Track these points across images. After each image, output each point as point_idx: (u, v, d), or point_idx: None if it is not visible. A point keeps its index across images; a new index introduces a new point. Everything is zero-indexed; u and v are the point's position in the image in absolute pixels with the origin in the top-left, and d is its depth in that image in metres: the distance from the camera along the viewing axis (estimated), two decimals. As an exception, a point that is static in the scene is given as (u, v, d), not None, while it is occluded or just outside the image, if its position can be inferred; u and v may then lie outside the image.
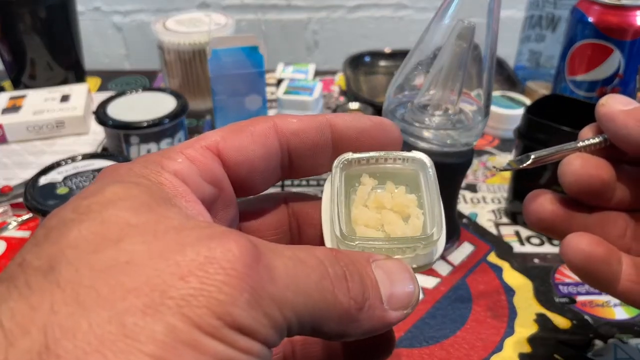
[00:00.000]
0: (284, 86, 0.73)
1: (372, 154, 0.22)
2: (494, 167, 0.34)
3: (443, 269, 0.47)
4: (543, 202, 0.26)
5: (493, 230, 0.52)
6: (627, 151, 0.26)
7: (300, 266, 0.16)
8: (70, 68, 0.77)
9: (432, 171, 0.21)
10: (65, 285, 0.14)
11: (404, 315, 0.18)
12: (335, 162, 0.21)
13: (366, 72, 0.80)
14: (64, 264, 0.14)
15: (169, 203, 0.17)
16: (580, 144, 0.27)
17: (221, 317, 0.14)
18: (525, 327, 0.41)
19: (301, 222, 0.24)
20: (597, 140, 0.26)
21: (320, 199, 0.23)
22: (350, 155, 0.21)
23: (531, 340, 0.40)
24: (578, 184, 0.25)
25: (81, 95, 0.69)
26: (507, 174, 0.58)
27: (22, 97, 0.68)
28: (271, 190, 0.23)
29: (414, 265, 0.20)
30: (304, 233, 0.24)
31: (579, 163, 0.25)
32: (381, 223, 0.21)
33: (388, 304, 0.18)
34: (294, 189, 0.59)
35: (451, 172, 0.43)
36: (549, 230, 0.27)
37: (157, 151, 0.20)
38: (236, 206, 0.22)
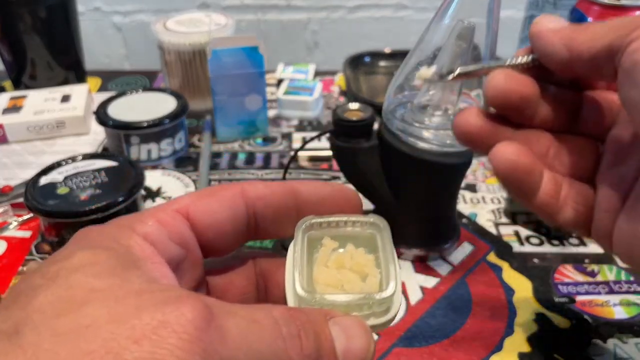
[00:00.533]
0: (284, 86, 0.73)
1: (332, 218, 0.23)
2: (418, 78, 0.35)
3: (443, 268, 0.47)
4: (469, 117, 0.27)
5: (492, 230, 0.52)
6: (553, 70, 0.26)
7: (253, 326, 0.17)
8: (71, 68, 0.77)
9: (387, 233, 0.23)
10: (27, 348, 0.15)
11: None
12: (298, 225, 0.23)
13: (366, 72, 0.80)
14: (29, 328, 0.15)
15: (133, 267, 0.18)
16: (509, 62, 0.27)
17: None
18: (524, 327, 0.41)
19: (267, 282, 0.25)
20: (525, 59, 0.26)
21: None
22: (312, 219, 0.23)
23: (531, 339, 0.40)
24: (499, 98, 0.25)
25: (81, 96, 0.69)
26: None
27: (23, 97, 0.68)
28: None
29: (371, 323, 0.21)
30: (270, 292, 0.25)
31: (502, 78, 0.25)
32: (341, 283, 0.22)
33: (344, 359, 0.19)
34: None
35: (451, 172, 0.43)
36: (475, 144, 0.27)
37: (132, 214, 0.21)
38: (202, 266, 0.23)
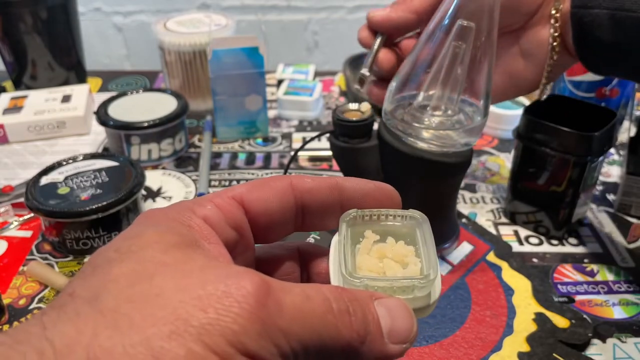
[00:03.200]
0: (284, 86, 0.73)
1: (374, 211, 0.24)
2: (356, 87, 0.47)
3: (443, 268, 0.47)
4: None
5: (492, 230, 0.52)
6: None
7: (307, 302, 0.18)
8: (71, 68, 0.77)
9: (426, 226, 0.24)
10: (106, 313, 0.16)
11: (403, 349, 0.20)
12: (342, 217, 0.24)
13: (366, 73, 0.80)
14: (106, 295, 0.17)
15: (195, 245, 0.20)
16: (377, 45, 0.42)
17: (234, 345, 0.16)
18: (524, 326, 0.41)
19: (310, 270, 0.27)
20: (381, 37, 0.43)
21: (329, 249, 0.25)
22: (355, 212, 0.24)
23: (530, 339, 0.40)
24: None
25: (82, 96, 0.69)
26: (507, 174, 0.59)
27: (24, 97, 0.68)
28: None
29: (413, 307, 0.21)
30: (312, 280, 0.27)
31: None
32: (383, 270, 0.23)
33: (388, 338, 0.20)
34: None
35: (450, 172, 0.43)
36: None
37: (192, 199, 0.23)
38: (254, 251, 0.24)
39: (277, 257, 0.26)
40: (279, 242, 0.26)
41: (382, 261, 0.23)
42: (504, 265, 0.47)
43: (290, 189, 0.24)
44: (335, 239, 0.25)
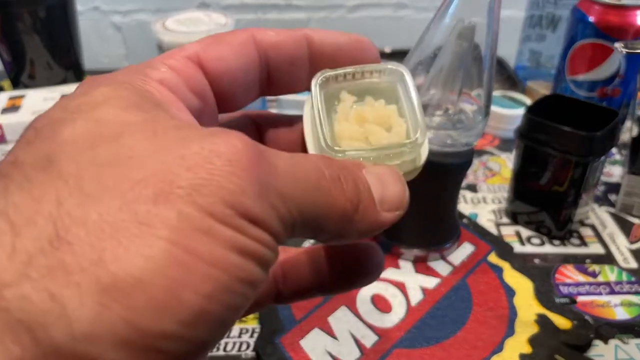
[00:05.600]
0: (283, 86, 0.73)
1: (348, 69, 0.22)
2: None
3: (443, 269, 0.46)
4: None
5: (493, 231, 0.51)
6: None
7: (299, 166, 0.16)
8: (70, 68, 0.77)
9: (408, 79, 0.22)
10: (67, 178, 0.13)
11: (395, 216, 0.19)
12: (314, 80, 0.21)
13: (366, 72, 0.80)
14: (64, 159, 0.14)
15: (160, 108, 0.16)
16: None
17: (232, 206, 0.14)
18: (525, 328, 0.41)
19: (272, 144, 0.24)
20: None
21: (292, 117, 0.23)
22: (327, 72, 0.21)
23: (532, 340, 0.40)
24: None
25: (81, 95, 0.68)
26: (508, 174, 0.58)
27: (22, 97, 0.68)
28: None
29: (402, 172, 0.20)
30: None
31: None
32: (365, 136, 0.21)
33: (381, 206, 0.19)
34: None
35: (451, 172, 0.43)
36: None
37: (140, 63, 0.19)
38: (218, 121, 0.21)
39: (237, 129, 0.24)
40: (238, 112, 0.23)
41: (363, 126, 0.21)
42: (506, 265, 0.47)
43: (252, 44, 0.20)
44: (307, 105, 0.22)
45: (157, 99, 0.17)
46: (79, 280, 0.12)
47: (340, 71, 0.21)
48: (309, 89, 0.22)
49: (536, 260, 0.48)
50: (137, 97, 0.16)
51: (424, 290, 0.44)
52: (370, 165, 0.19)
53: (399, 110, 0.21)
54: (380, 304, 0.43)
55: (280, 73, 0.21)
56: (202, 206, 0.13)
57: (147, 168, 0.14)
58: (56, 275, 0.12)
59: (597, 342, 0.40)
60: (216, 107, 0.20)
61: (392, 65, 0.22)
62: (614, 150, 0.65)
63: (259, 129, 0.24)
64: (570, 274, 0.46)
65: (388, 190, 0.19)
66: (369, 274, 0.24)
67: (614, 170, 0.61)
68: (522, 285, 0.45)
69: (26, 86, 0.75)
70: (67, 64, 0.76)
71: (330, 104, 0.22)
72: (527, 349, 0.39)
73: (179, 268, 0.13)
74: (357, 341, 0.40)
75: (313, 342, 0.40)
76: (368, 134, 0.21)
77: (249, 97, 0.21)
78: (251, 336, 0.41)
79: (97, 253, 0.12)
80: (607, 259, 0.48)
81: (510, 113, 0.66)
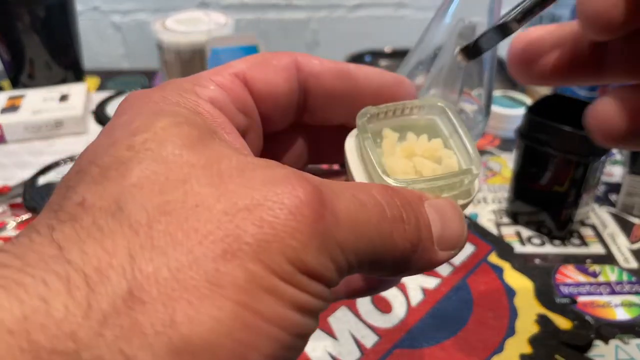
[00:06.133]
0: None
1: (390, 106, 0.21)
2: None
3: (444, 269, 0.46)
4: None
5: (494, 231, 0.51)
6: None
7: (361, 209, 0.16)
8: (69, 67, 0.76)
9: (452, 113, 0.21)
10: (138, 228, 0.13)
11: (451, 255, 0.19)
12: (359, 115, 0.21)
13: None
14: (133, 206, 0.14)
15: (216, 137, 0.16)
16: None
17: (294, 263, 0.14)
18: (526, 328, 0.41)
19: (318, 147, 0.24)
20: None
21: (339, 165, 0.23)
22: (372, 109, 0.21)
23: (532, 340, 0.40)
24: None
25: (80, 95, 0.68)
26: (509, 174, 0.58)
27: (21, 96, 0.68)
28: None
29: (458, 203, 0.20)
30: (322, 157, 0.24)
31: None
32: (416, 169, 0.21)
33: (438, 245, 0.18)
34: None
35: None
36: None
37: (185, 78, 0.18)
38: (262, 140, 0.21)
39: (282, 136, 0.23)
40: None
41: (412, 160, 0.21)
42: (506, 266, 0.47)
43: (294, 69, 0.20)
44: (350, 140, 0.21)
45: (212, 126, 0.17)
46: (152, 342, 0.12)
47: (383, 107, 0.21)
48: (342, 122, 0.22)
49: (537, 261, 0.48)
50: (197, 131, 0.16)
51: (424, 291, 0.44)
52: (432, 198, 0.19)
53: (444, 143, 0.21)
54: (381, 304, 0.43)
55: (317, 102, 0.21)
56: (267, 264, 0.14)
57: (213, 220, 0.14)
58: (130, 336, 0.12)
59: (598, 343, 0.40)
60: (261, 126, 0.20)
61: (431, 100, 0.22)
62: (614, 150, 0.65)
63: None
64: (570, 274, 0.46)
65: (448, 229, 0.18)
66: (393, 281, 0.24)
67: (614, 170, 0.61)
68: (522, 286, 0.45)
69: (25, 86, 0.75)
70: (67, 63, 0.76)
71: (373, 141, 0.21)
72: (527, 349, 0.39)
73: (245, 330, 0.13)
74: (357, 341, 0.40)
75: (313, 343, 0.39)
76: (419, 167, 0.21)
77: (285, 121, 0.21)
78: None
79: (169, 314, 0.13)
80: (608, 259, 0.48)
81: (510, 113, 0.65)
